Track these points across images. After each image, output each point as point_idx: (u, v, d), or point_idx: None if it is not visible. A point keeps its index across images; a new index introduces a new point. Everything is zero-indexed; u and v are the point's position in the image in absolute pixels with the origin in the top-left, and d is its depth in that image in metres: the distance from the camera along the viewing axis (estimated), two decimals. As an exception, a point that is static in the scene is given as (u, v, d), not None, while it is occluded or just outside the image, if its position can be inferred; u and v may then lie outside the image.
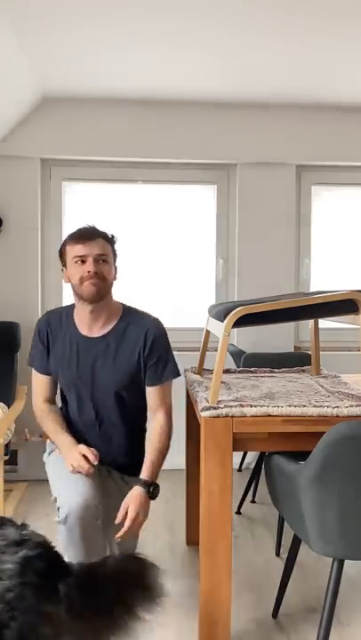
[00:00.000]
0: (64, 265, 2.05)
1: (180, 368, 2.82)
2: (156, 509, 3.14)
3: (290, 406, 1.85)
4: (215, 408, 1.82)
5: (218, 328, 2.04)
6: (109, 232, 2.07)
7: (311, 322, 2.61)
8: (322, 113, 3.74)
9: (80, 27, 2.63)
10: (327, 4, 2.43)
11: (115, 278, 2.06)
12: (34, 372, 2.17)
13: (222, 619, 1.84)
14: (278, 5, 2.44)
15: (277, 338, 3.75)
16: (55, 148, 3.62)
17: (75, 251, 1.98)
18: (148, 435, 2.11)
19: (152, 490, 1.94)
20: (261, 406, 1.84)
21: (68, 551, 1.86)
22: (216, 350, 1.97)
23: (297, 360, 3.24)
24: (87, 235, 2.00)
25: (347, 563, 1.73)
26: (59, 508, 1.88)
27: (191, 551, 2.64)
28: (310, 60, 3.00)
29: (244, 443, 1.86)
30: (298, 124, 3.74)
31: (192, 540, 2.69)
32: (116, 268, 2.07)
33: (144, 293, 3.76)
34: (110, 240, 2.05)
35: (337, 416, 1.82)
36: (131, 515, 1.87)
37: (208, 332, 2.46)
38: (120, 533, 1.86)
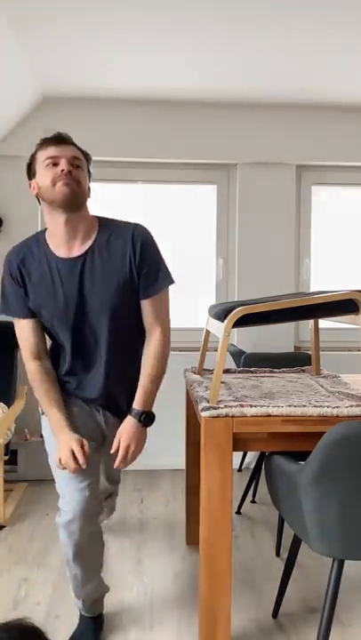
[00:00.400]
0: (32, 177, 1.86)
1: (180, 368, 2.83)
2: (156, 509, 3.15)
3: (290, 406, 1.85)
4: (215, 408, 1.82)
5: (218, 328, 2.04)
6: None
7: (311, 322, 2.61)
8: (322, 113, 3.74)
9: (80, 27, 2.63)
10: (327, 5, 2.43)
11: (89, 195, 1.89)
12: (15, 321, 1.96)
13: (222, 619, 1.84)
14: (278, 6, 2.44)
15: (277, 338, 3.75)
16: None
17: (47, 153, 1.82)
18: (143, 359, 1.94)
19: (143, 418, 1.87)
20: (261, 406, 1.84)
21: (67, 554, 1.87)
22: (216, 350, 1.97)
23: (297, 360, 3.24)
24: (61, 138, 1.86)
25: (347, 563, 1.73)
26: (60, 509, 1.85)
27: (191, 551, 2.64)
28: (310, 60, 3.00)
29: (244, 443, 1.85)
30: (298, 124, 3.75)
31: (192, 539, 2.69)
32: (89, 187, 1.89)
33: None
34: (85, 154, 1.90)
35: (337, 416, 1.82)
36: (123, 445, 1.84)
37: (208, 332, 2.46)
38: (116, 463, 1.85)
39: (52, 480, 1.96)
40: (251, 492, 3.28)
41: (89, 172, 1.91)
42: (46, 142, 1.85)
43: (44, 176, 1.81)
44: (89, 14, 2.52)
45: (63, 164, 1.80)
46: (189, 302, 3.87)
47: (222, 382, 2.35)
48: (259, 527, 2.91)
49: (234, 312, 1.91)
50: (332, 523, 1.63)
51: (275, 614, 2.11)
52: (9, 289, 1.92)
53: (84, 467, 1.79)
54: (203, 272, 3.89)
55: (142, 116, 3.67)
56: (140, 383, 1.90)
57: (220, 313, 1.99)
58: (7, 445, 3.11)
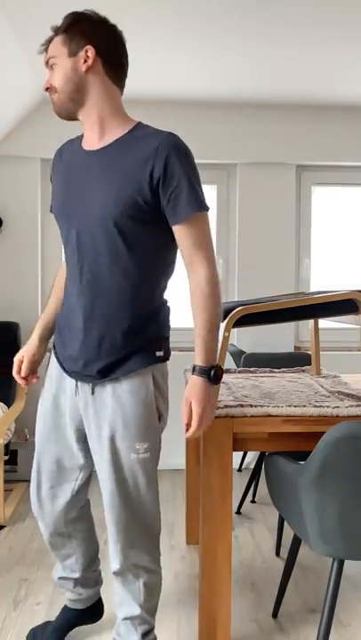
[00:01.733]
0: None
1: (180, 368, 2.82)
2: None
3: (290, 406, 1.85)
4: (215, 408, 1.82)
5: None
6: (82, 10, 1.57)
7: (311, 322, 2.61)
8: (322, 113, 3.74)
9: (80, 27, 2.63)
10: (327, 6, 2.43)
11: (82, 70, 1.51)
12: None
13: (222, 619, 1.84)
14: (278, 7, 2.44)
15: (277, 338, 3.75)
16: (55, 148, 3.61)
17: None
18: (191, 304, 1.60)
19: (213, 375, 1.51)
20: (261, 406, 1.84)
21: None
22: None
23: (297, 360, 3.24)
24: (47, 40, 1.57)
25: (347, 563, 1.73)
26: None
27: (191, 551, 2.64)
28: (310, 60, 2.99)
29: (244, 443, 1.86)
30: (298, 124, 3.75)
31: (192, 539, 2.70)
32: (89, 56, 1.51)
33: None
34: (68, 24, 1.54)
35: (337, 416, 1.82)
36: (197, 411, 1.51)
37: (208, 332, 2.45)
38: (188, 434, 1.54)
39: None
40: (251, 492, 3.29)
41: (72, 39, 1.53)
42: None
43: None
44: (89, 14, 2.52)
45: (45, 80, 1.56)
46: (190, 302, 3.86)
47: (222, 382, 2.35)
48: (259, 527, 2.91)
49: (234, 312, 1.91)
50: (333, 523, 1.63)
51: (275, 614, 2.11)
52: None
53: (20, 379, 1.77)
54: (203, 272, 3.88)
55: (142, 117, 3.63)
56: (196, 334, 1.53)
57: (220, 313, 1.98)
58: (7, 445, 3.11)
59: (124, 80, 1.63)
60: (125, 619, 1.69)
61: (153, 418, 1.59)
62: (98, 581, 1.93)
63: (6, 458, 3.10)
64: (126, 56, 1.62)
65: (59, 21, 2.60)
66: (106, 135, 1.57)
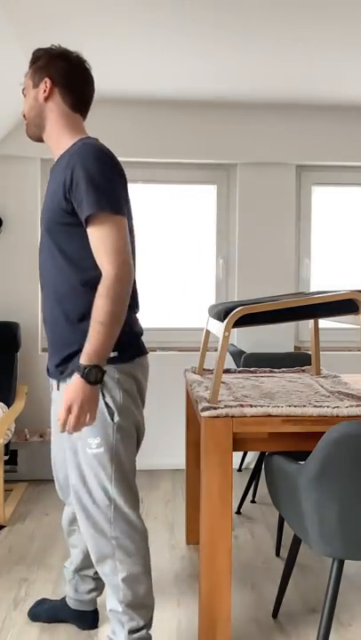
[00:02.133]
0: None
1: (180, 368, 2.83)
2: (157, 509, 3.15)
3: (290, 406, 1.85)
4: (215, 408, 1.82)
5: (218, 328, 2.04)
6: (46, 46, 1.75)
7: (311, 322, 2.61)
8: (322, 113, 3.74)
9: (80, 27, 2.63)
10: (327, 7, 2.43)
11: (42, 99, 1.70)
12: None
13: (222, 619, 1.84)
14: (279, 7, 2.44)
15: (277, 338, 3.76)
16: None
17: None
18: None
19: (85, 373, 1.50)
20: (261, 406, 1.84)
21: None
22: (216, 350, 1.97)
23: (297, 360, 3.24)
24: None
25: (347, 563, 1.73)
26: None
27: (191, 551, 2.65)
28: (310, 60, 3.00)
29: (244, 443, 1.86)
30: (298, 124, 3.75)
31: (192, 539, 2.70)
32: (47, 87, 1.70)
33: (144, 293, 3.76)
34: (33, 60, 1.74)
35: (337, 416, 1.82)
36: (64, 405, 1.53)
37: (208, 332, 2.46)
38: (59, 428, 1.56)
39: (52, 480, 1.97)
40: (251, 492, 3.29)
41: (36, 70, 1.72)
42: None
43: None
44: (89, 15, 2.52)
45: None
46: (189, 302, 3.87)
47: (222, 382, 2.35)
48: (259, 527, 2.91)
49: (234, 312, 1.91)
50: (333, 523, 1.63)
51: (275, 614, 2.11)
52: None
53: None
54: (203, 272, 3.89)
55: (142, 116, 3.68)
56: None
57: (220, 313, 1.99)
58: (7, 445, 3.11)
59: (85, 104, 1.78)
60: (111, 611, 1.74)
61: (102, 415, 1.61)
62: (92, 590, 1.97)
63: (6, 458, 3.10)
64: (86, 83, 1.76)
65: (59, 21, 2.62)
66: (59, 153, 1.74)
